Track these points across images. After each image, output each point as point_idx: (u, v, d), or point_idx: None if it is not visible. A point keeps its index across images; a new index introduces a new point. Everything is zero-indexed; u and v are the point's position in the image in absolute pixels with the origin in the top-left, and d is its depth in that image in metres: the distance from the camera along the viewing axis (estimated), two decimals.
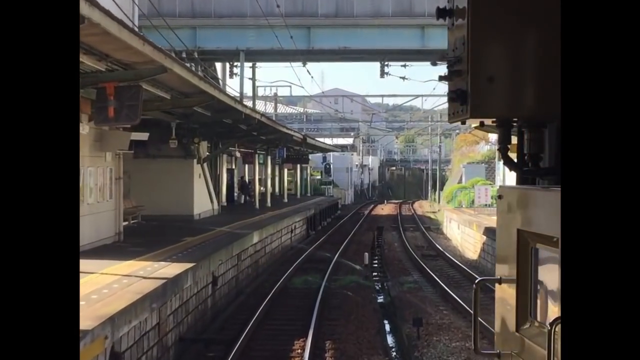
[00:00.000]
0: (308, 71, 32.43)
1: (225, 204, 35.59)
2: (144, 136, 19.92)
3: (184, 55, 23.97)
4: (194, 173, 27.41)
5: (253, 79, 35.07)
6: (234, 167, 43.31)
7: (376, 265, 26.40)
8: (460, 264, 25.43)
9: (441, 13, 3.89)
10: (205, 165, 29.04)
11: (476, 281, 3.93)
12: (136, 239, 18.94)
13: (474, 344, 3.88)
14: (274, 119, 37.32)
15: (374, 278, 23.31)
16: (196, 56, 26.76)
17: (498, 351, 3.73)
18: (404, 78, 31.32)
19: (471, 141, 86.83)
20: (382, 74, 30.58)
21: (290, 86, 65.51)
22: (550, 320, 2.91)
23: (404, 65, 30.82)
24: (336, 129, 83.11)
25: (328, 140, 68.06)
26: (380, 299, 20.08)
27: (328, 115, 78.82)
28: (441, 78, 3.82)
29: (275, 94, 57.69)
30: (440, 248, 31.07)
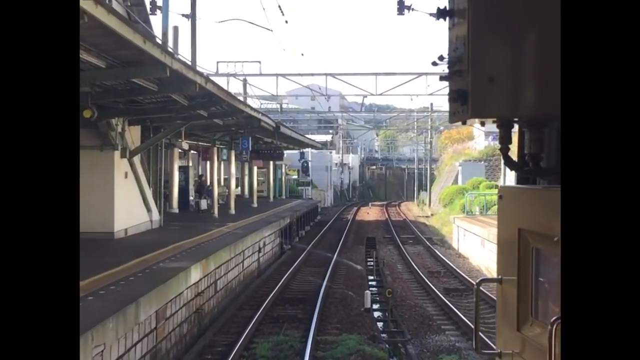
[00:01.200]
0: (280, 7, 23.51)
1: (177, 211, 27.92)
2: None
3: None
4: (116, 171, 19.02)
5: (192, 16, 23.13)
6: (190, 164, 34.98)
7: (378, 299, 18.30)
8: None
9: (441, 13, 3.73)
10: (136, 159, 20.68)
11: (477, 281, 3.94)
12: None
13: (474, 344, 3.83)
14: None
15: (380, 325, 15.25)
16: None
17: (499, 351, 3.66)
18: (433, 15, 22.49)
19: (456, 138, 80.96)
20: (402, 8, 21.05)
21: (259, 62, 55.22)
22: (551, 320, 2.91)
23: None
24: (314, 121, 74.86)
25: (307, 136, 59.58)
26: None
27: (305, 110, 70.95)
28: (442, 78, 3.71)
29: (245, 81, 48.94)
30: (464, 275, 22.50)
